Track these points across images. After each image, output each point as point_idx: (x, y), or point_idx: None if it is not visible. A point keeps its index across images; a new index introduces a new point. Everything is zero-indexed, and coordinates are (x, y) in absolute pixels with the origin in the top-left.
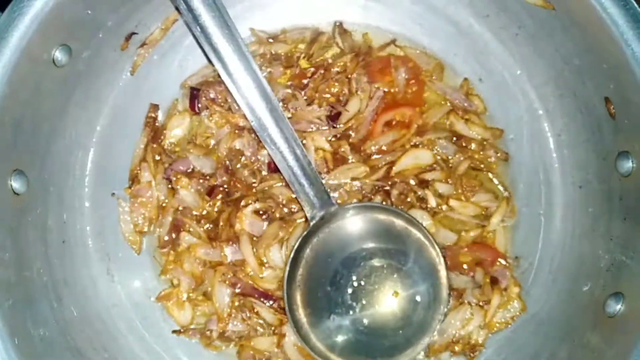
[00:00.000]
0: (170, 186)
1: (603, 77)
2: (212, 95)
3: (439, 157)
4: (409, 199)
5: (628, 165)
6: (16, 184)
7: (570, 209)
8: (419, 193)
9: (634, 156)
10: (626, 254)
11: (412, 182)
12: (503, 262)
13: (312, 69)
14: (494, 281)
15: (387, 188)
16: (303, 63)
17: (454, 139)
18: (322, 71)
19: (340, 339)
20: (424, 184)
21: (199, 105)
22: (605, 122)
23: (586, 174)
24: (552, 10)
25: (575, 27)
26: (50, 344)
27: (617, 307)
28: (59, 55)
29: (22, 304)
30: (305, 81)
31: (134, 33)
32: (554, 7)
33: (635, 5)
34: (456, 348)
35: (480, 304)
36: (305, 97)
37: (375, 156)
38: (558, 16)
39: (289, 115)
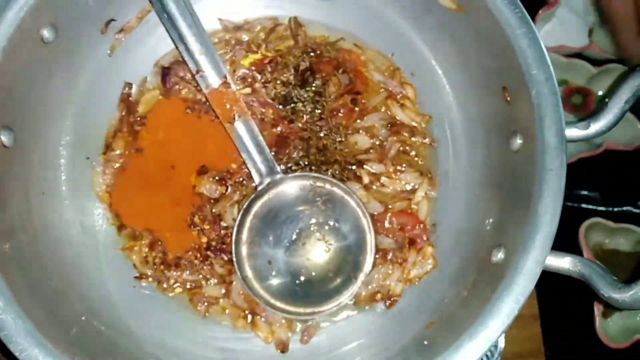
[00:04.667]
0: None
1: (502, 69)
2: (181, 74)
3: (375, 142)
4: (345, 175)
5: (517, 142)
6: (5, 138)
7: (475, 182)
8: (355, 171)
9: (521, 135)
10: (511, 213)
11: (350, 161)
12: (422, 227)
13: (270, 57)
14: (412, 242)
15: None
16: (263, 50)
17: (389, 125)
18: (278, 59)
19: (279, 287)
20: (359, 163)
21: (170, 82)
22: (503, 107)
23: (488, 152)
24: (465, 13)
25: (482, 28)
26: (36, 286)
27: (499, 255)
28: (46, 33)
29: (4, 240)
30: (263, 68)
31: (112, 20)
32: (465, 10)
33: (523, 8)
34: (377, 297)
35: (399, 261)
36: (262, 80)
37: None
38: (469, 19)
39: (249, 91)
